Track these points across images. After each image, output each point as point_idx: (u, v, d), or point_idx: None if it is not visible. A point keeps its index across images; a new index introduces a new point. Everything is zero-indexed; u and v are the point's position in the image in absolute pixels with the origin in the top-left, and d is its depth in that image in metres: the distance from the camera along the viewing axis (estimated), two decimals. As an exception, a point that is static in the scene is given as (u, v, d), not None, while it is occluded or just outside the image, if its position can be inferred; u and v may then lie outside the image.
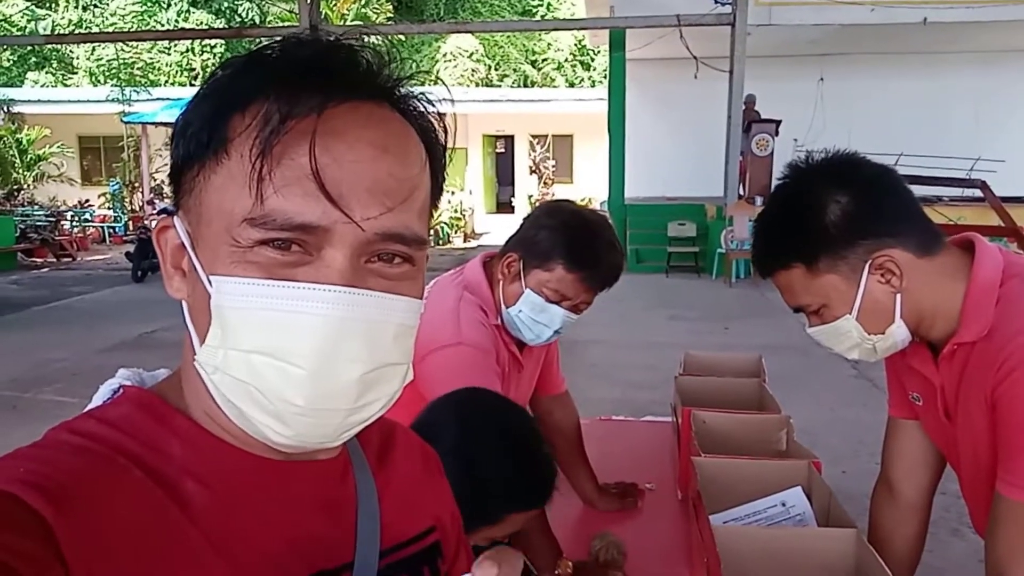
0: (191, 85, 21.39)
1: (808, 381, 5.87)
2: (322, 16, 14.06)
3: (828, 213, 1.20)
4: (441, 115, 0.66)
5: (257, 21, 22.71)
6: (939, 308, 1.21)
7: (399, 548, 0.69)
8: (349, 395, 0.57)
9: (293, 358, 0.55)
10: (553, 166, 20.88)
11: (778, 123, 11.83)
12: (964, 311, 1.19)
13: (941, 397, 1.28)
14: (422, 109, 0.65)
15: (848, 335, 1.25)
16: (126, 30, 21.44)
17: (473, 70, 24.80)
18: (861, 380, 6.02)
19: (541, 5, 27.78)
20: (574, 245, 1.65)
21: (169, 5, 23.42)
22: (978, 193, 10.89)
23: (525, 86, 25.45)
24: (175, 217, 0.61)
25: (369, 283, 0.58)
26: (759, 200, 11.01)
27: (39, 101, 19.83)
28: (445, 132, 0.67)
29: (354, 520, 0.66)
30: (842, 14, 12.36)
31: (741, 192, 11.99)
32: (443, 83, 0.69)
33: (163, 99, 17.78)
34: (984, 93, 14.48)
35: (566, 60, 26.61)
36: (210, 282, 0.57)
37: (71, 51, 24.59)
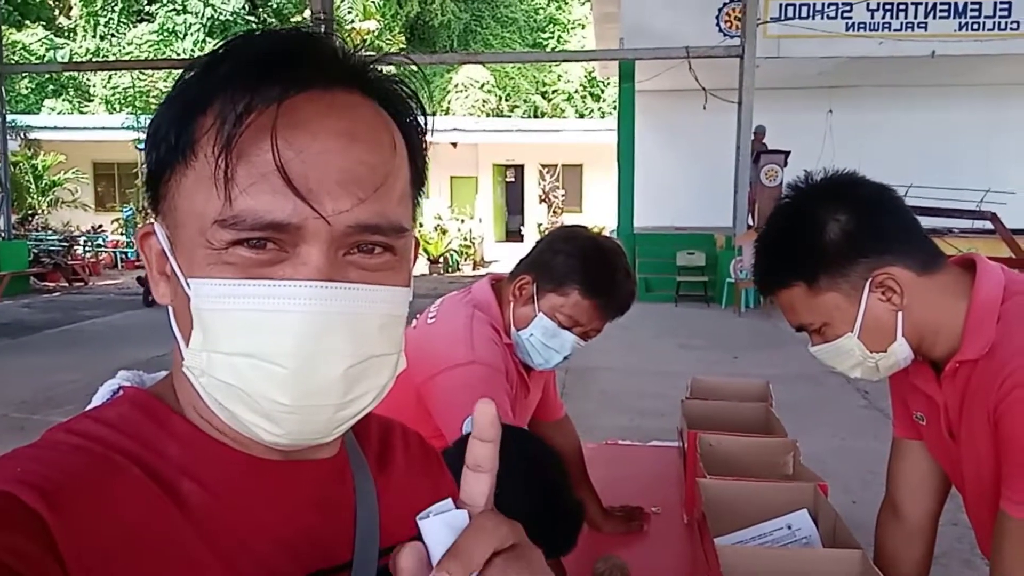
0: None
1: (818, 411, 5.84)
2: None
3: (828, 231, 1.21)
4: (418, 98, 0.64)
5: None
6: (941, 326, 1.22)
7: None
8: (336, 390, 0.56)
9: (275, 358, 0.54)
10: (563, 195, 20.99)
11: (787, 154, 11.87)
12: (966, 329, 1.19)
13: (944, 416, 1.28)
14: (398, 93, 0.62)
15: (850, 353, 1.25)
16: (142, 59, 21.78)
17: (484, 101, 25.05)
18: (872, 411, 5.98)
19: (552, 38, 28.11)
20: (591, 271, 1.65)
21: (185, 35, 23.83)
22: (988, 225, 10.87)
23: (535, 116, 25.69)
24: (155, 223, 0.61)
25: (349, 275, 0.57)
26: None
27: (55, 128, 20.10)
28: (424, 115, 0.64)
29: (353, 520, 0.65)
30: (850, 47, 12.47)
31: (750, 222, 12.00)
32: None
33: (178, 127, 17.99)
34: (994, 125, 14.52)
35: (576, 91, 26.88)
36: (188, 285, 0.57)
37: (88, 79, 25.04)
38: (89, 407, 0.63)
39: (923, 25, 12.40)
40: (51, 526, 0.49)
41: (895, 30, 12.42)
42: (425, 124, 0.65)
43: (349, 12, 23.98)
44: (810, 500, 1.54)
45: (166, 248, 0.59)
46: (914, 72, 13.38)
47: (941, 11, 12.35)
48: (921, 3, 12.33)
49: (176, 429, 0.60)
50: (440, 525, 0.46)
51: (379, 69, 0.62)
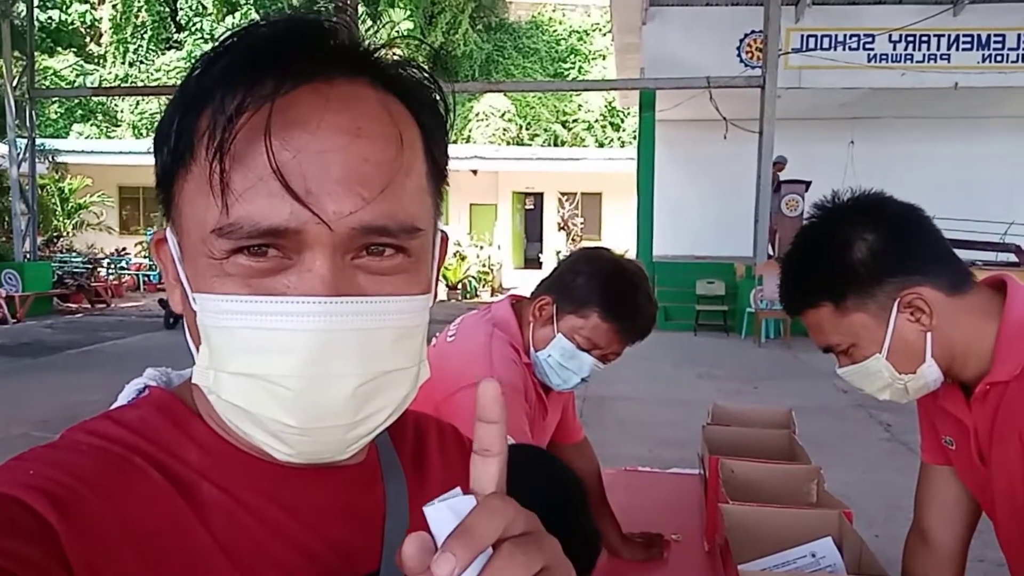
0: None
1: (840, 444, 5.75)
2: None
3: (855, 251, 1.20)
4: (436, 82, 0.59)
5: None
6: (971, 347, 1.19)
7: None
8: (345, 411, 0.53)
9: (280, 379, 0.52)
10: (581, 223, 21.04)
11: (808, 184, 11.84)
12: (997, 350, 1.17)
13: (975, 439, 1.25)
14: (413, 79, 0.58)
15: (879, 375, 1.23)
16: (170, 86, 22.13)
17: (505, 129, 25.21)
18: (895, 443, 5.88)
19: (573, 68, 28.32)
20: (611, 295, 1.64)
21: (212, 62, 24.23)
22: (1013, 257, 10.77)
23: (555, 145, 25.79)
24: (167, 229, 0.59)
25: (358, 282, 0.53)
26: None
27: (83, 152, 20.40)
28: (444, 101, 0.60)
29: (381, 528, 0.63)
30: (872, 78, 12.48)
31: (771, 252, 11.95)
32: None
33: (203, 152, 18.29)
34: (1018, 158, 14.41)
35: (596, 121, 26.99)
36: (194, 300, 0.55)
37: (116, 105, 25.50)
38: (114, 406, 0.62)
39: (946, 57, 12.40)
40: (60, 533, 0.48)
41: (917, 62, 12.43)
42: (446, 111, 0.60)
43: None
44: (835, 527, 1.50)
45: (175, 256, 0.57)
46: (937, 104, 13.34)
47: (964, 43, 12.35)
48: (944, 35, 12.34)
49: (197, 434, 0.58)
50: (446, 512, 0.42)
51: (391, 55, 0.57)
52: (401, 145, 0.54)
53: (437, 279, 0.63)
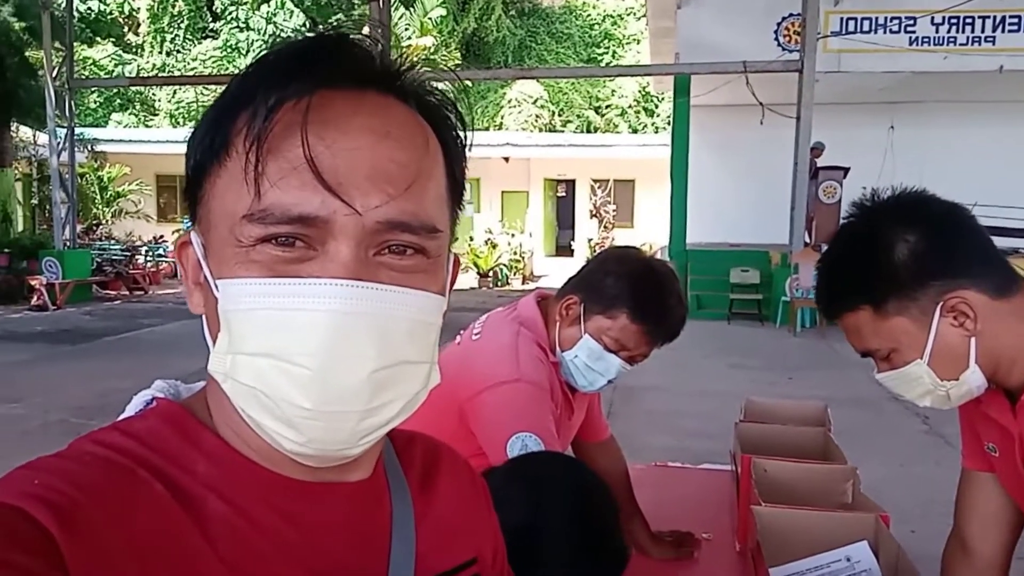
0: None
1: (875, 436, 5.65)
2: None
3: (896, 252, 1.15)
4: (457, 109, 0.63)
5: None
6: (1017, 352, 1.14)
7: None
8: (359, 395, 0.54)
9: (296, 358, 0.52)
10: (614, 210, 20.90)
11: (846, 170, 11.61)
12: None
13: (1020, 447, 1.20)
14: (436, 103, 0.62)
15: (919, 381, 1.18)
16: (206, 75, 22.36)
17: (537, 115, 25.11)
18: (932, 436, 5.76)
19: (607, 53, 28.09)
20: (641, 296, 1.61)
21: (248, 52, 24.42)
22: (1058, 245, 10.47)
23: (588, 131, 25.63)
24: (192, 231, 0.60)
25: (379, 276, 0.55)
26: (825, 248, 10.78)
27: (121, 141, 20.69)
28: (463, 127, 0.63)
29: (387, 548, 0.62)
30: (913, 62, 12.17)
31: (807, 240, 11.76)
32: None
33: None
34: (1064, 143, 13.99)
35: (630, 106, 26.76)
36: (217, 287, 0.56)
37: (154, 94, 25.84)
38: (121, 417, 0.62)
39: (991, 39, 12.05)
40: (61, 544, 0.48)
41: (961, 44, 12.09)
42: (465, 136, 0.63)
43: (406, 29, 24.33)
44: (871, 531, 1.46)
45: (199, 254, 0.58)
46: (980, 88, 12.99)
47: (1010, 25, 11.99)
48: (989, 16, 11.98)
49: (206, 445, 0.58)
50: None
51: (418, 79, 0.61)
52: (426, 151, 0.58)
53: (449, 296, 0.64)
